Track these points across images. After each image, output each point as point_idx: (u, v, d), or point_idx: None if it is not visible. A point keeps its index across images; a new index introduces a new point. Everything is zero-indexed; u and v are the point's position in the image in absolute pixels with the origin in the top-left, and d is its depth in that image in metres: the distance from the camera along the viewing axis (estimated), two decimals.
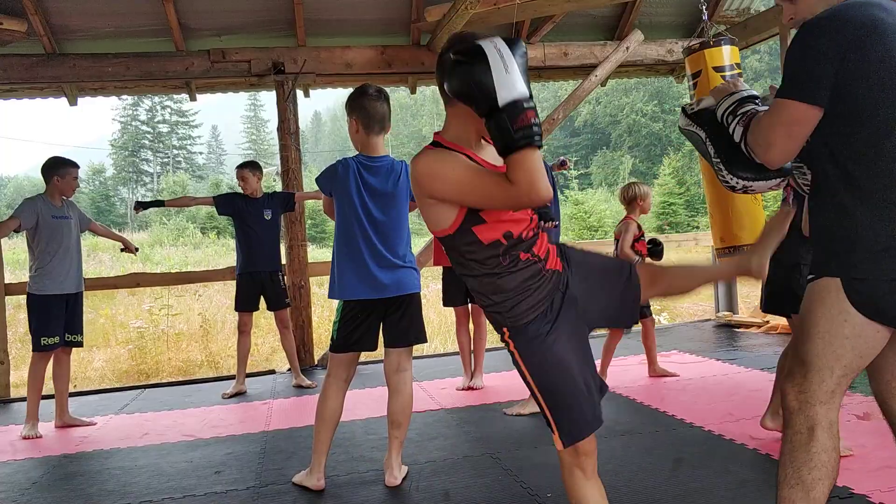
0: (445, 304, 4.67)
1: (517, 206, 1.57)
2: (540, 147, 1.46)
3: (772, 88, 1.93)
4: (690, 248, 7.89)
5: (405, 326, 2.92)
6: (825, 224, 1.65)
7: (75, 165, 4.37)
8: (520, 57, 1.50)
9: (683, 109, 2.08)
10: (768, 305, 3.17)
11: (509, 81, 1.44)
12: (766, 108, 1.74)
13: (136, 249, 4.87)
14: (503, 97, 1.43)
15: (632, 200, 4.54)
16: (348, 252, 2.86)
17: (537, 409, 2.91)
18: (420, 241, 6.63)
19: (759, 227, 4.48)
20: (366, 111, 2.83)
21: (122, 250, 4.83)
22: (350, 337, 2.88)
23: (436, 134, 1.73)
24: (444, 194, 1.60)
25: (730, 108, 1.84)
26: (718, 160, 1.89)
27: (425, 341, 3.08)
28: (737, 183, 1.89)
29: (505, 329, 1.72)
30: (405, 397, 2.93)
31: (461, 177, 1.58)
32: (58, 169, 4.26)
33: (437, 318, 8.59)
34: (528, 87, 1.47)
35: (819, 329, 1.61)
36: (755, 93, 1.87)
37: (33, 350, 4.17)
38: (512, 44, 1.50)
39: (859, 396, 3.67)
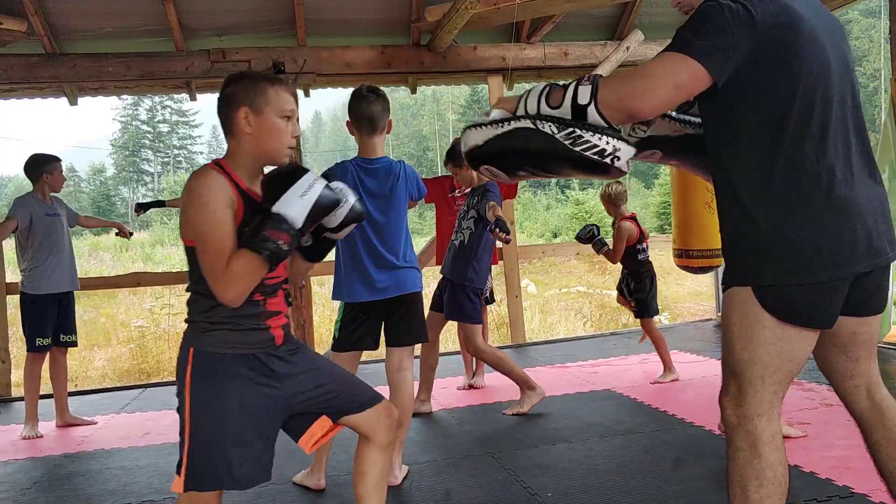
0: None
1: (212, 283, 1.63)
2: (266, 262, 1.60)
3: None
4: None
5: (406, 326, 2.92)
6: (728, 231, 1.61)
7: (59, 159, 4.36)
8: (324, 198, 1.68)
9: (473, 125, 1.71)
10: None
11: (292, 204, 1.62)
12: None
13: (131, 234, 4.85)
14: (277, 208, 1.61)
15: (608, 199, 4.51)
16: (349, 255, 2.87)
17: (532, 407, 2.89)
18: (420, 241, 6.62)
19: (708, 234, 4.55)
20: (354, 112, 2.84)
21: (116, 234, 4.81)
22: (351, 337, 2.89)
23: (219, 159, 1.79)
24: (192, 221, 1.66)
25: (545, 94, 1.60)
26: (571, 128, 1.54)
27: (427, 340, 3.08)
28: (607, 143, 1.53)
29: (192, 348, 1.71)
30: (406, 397, 2.93)
31: (210, 219, 1.63)
32: (46, 165, 4.25)
33: None
34: (303, 224, 1.63)
35: (740, 339, 1.57)
36: (555, 83, 1.65)
37: (28, 351, 4.17)
38: (333, 189, 1.73)
39: None
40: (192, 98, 6.15)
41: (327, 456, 2.96)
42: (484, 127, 1.67)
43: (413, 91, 6.55)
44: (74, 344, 4.40)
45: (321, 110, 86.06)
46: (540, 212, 33.25)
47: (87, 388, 5.91)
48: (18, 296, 4.32)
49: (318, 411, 1.87)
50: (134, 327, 9.12)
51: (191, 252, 1.70)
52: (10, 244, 4.34)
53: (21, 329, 4.29)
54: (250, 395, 1.71)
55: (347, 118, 2.88)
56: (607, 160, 1.54)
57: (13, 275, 6.59)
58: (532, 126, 1.58)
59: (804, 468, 2.76)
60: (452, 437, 3.59)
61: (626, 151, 1.57)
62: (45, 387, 4.46)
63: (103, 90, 5.89)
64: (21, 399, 5.20)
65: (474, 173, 3.74)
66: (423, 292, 3.00)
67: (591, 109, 1.52)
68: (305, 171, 1.69)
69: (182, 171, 52.95)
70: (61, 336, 4.24)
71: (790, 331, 1.53)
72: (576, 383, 4.57)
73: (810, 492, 2.54)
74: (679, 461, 2.96)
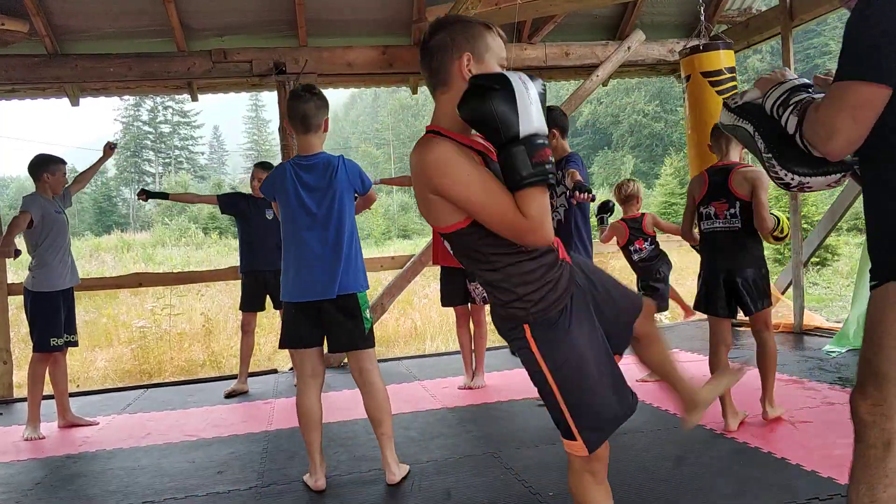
0: (444, 304, 4.67)
1: (522, 239, 1.48)
2: (548, 187, 1.43)
3: (827, 75, 1.77)
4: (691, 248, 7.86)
5: (341, 330, 2.88)
6: (891, 221, 1.51)
7: (63, 161, 4.36)
8: (540, 93, 1.44)
9: (725, 104, 1.92)
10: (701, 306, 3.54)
11: (531, 114, 1.39)
12: (822, 94, 1.58)
13: (114, 146, 4.75)
14: (525, 129, 1.39)
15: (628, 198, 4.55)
16: (286, 254, 2.90)
17: None
18: (421, 242, 6.57)
19: None
20: (289, 111, 2.89)
21: (108, 150, 4.72)
22: (293, 335, 2.90)
23: (431, 125, 1.61)
24: (451, 196, 1.48)
25: (780, 99, 1.68)
26: (770, 155, 1.69)
27: (367, 347, 2.92)
28: (791, 179, 1.66)
29: (526, 325, 1.59)
30: (376, 396, 2.92)
31: (474, 184, 1.46)
32: (48, 166, 4.25)
33: (439, 317, 8.59)
34: (543, 125, 1.41)
35: (892, 338, 1.49)
36: (807, 81, 1.72)
37: (38, 351, 4.14)
38: (532, 79, 1.46)
39: None
40: (194, 98, 6.16)
41: (321, 455, 2.95)
42: (729, 112, 1.89)
43: (414, 91, 6.55)
44: (76, 344, 4.41)
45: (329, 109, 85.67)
46: None
47: (88, 389, 5.92)
48: (19, 296, 4.32)
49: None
50: (135, 328, 9.12)
51: (464, 235, 1.55)
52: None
53: (23, 330, 4.28)
54: (589, 328, 1.63)
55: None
56: (793, 190, 1.72)
57: (14, 275, 6.59)
58: (750, 133, 1.79)
59: (806, 466, 2.76)
60: (453, 437, 3.59)
61: (820, 181, 1.67)
62: (46, 388, 4.47)
63: (105, 91, 5.90)
64: (23, 400, 5.21)
65: (553, 142, 3.69)
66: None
67: (798, 139, 1.61)
68: (491, 79, 1.44)
69: (183, 172, 53.02)
70: (66, 336, 4.25)
71: None
72: None
73: (812, 490, 2.54)
74: (680, 460, 2.96)
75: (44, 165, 4.25)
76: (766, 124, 1.73)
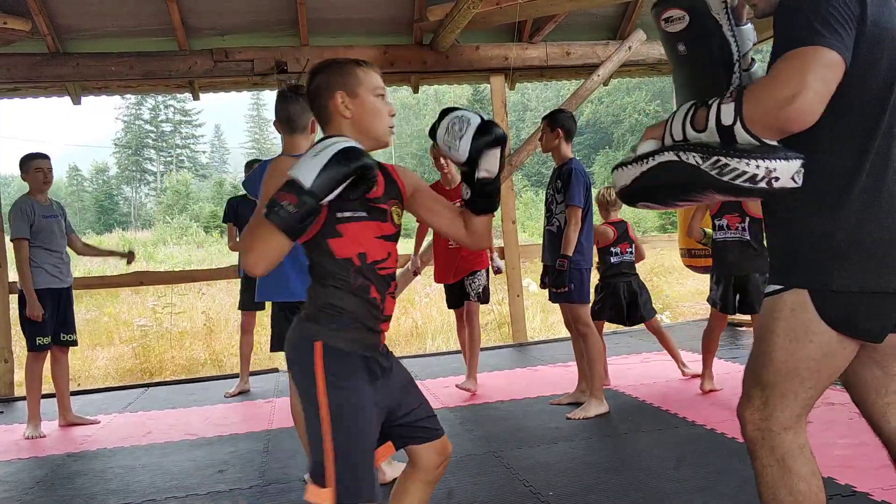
0: (448, 305, 4.76)
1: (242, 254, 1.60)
2: (275, 226, 1.44)
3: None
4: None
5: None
6: (787, 231, 1.47)
7: (37, 157, 4.25)
8: (335, 157, 1.46)
9: (620, 165, 1.62)
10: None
11: (306, 165, 1.45)
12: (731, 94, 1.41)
13: (132, 253, 4.64)
14: (292, 173, 1.46)
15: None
16: None
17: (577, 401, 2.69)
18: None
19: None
20: (276, 112, 2.88)
21: (127, 263, 4.62)
22: (280, 337, 2.88)
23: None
24: None
25: (688, 115, 1.47)
26: (716, 158, 1.39)
27: None
28: (757, 167, 1.36)
29: (318, 343, 1.56)
30: None
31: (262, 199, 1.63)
32: (23, 166, 4.23)
33: (440, 317, 8.59)
34: (313, 183, 1.44)
35: (781, 351, 1.45)
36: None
37: (28, 350, 4.16)
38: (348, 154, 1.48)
39: None
40: (195, 97, 6.17)
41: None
42: (629, 166, 1.58)
43: (415, 90, 6.55)
44: (75, 343, 4.39)
45: None
46: (542, 210, 33.25)
47: (89, 388, 5.93)
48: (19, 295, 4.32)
49: (387, 433, 1.68)
50: (136, 326, 9.13)
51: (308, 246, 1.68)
52: (11, 244, 4.34)
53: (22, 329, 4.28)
54: (369, 398, 1.57)
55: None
56: (762, 184, 1.38)
57: (15, 274, 6.60)
58: (676, 158, 1.47)
59: None
60: (454, 437, 3.58)
61: (785, 169, 1.37)
62: (48, 386, 4.47)
63: (106, 89, 5.91)
64: (24, 399, 5.22)
65: (556, 142, 3.82)
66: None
67: (738, 129, 1.36)
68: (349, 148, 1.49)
69: (185, 171, 53.02)
70: (61, 335, 4.24)
71: (836, 344, 1.42)
72: (577, 382, 4.55)
73: None
74: (680, 460, 2.96)
75: (21, 167, 4.24)
76: (691, 144, 1.45)
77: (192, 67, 5.58)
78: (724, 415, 3.56)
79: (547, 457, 3.13)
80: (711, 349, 4.10)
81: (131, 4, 5.33)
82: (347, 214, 1.60)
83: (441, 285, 4.80)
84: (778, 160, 1.37)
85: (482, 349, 6.10)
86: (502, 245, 6.33)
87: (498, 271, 4.69)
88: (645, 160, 1.54)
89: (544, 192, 4.15)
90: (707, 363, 4.09)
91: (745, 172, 1.37)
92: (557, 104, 5.36)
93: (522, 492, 2.73)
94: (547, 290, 3.96)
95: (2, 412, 4.97)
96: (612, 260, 4.46)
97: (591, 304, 4.01)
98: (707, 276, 4.41)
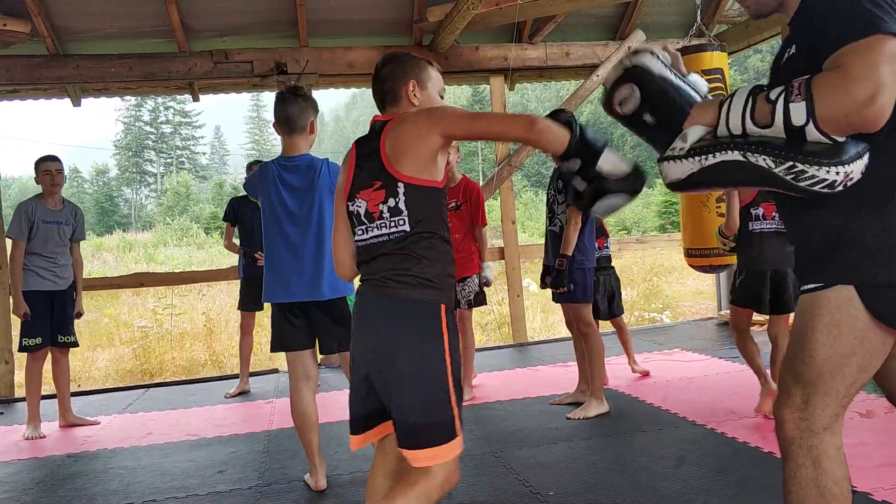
0: None
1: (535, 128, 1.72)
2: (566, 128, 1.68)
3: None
4: None
5: (329, 333, 2.89)
6: (831, 222, 1.42)
7: (47, 159, 4.24)
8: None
9: (668, 158, 1.52)
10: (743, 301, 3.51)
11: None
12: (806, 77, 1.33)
13: (79, 314, 4.41)
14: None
15: None
16: (270, 252, 2.89)
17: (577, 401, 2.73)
18: None
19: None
20: (275, 113, 2.89)
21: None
22: (280, 338, 2.91)
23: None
24: (446, 122, 1.70)
25: (748, 108, 1.40)
26: (791, 164, 1.33)
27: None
28: (837, 173, 1.31)
29: (443, 305, 1.71)
30: None
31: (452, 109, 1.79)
32: (35, 169, 4.23)
33: None
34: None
35: (824, 348, 1.41)
36: (756, 84, 1.45)
37: (18, 351, 4.17)
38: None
39: (861, 394, 3.66)
40: (195, 99, 6.17)
41: (319, 456, 2.94)
42: (684, 161, 1.48)
43: None
44: (74, 344, 4.37)
45: (323, 111, 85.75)
46: (541, 210, 33.26)
47: (89, 389, 5.93)
48: None
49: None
50: (137, 328, 9.14)
51: (420, 192, 1.72)
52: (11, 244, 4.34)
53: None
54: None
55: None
56: (839, 188, 1.34)
57: None
58: (742, 159, 1.39)
59: None
60: None
61: (858, 168, 1.33)
62: (49, 387, 4.47)
63: (106, 91, 5.91)
64: (25, 399, 5.22)
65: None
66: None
67: (811, 129, 1.30)
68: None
69: (185, 172, 53.07)
70: (59, 337, 4.23)
71: (878, 340, 1.41)
72: (577, 382, 4.56)
73: None
74: (681, 460, 2.96)
75: (34, 170, 4.25)
76: (754, 140, 1.39)
77: (191, 69, 5.58)
78: (724, 415, 3.56)
79: (547, 457, 3.13)
80: (756, 357, 3.56)
81: (131, 6, 5.33)
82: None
83: None
84: (854, 162, 1.32)
85: (482, 349, 6.12)
86: (502, 245, 6.34)
87: (486, 283, 4.48)
88: (703, 156, 1.45)
89: (544, 192, 4.14)
90: (762, 374, 3.56)
91: (824, 180, 1.33)
92: (557, 105, 5.38)
93: (522, 492, 2.74)
94: (550, 290, 3.96)
95: (2, 413, 4.97)
96: (597, 255, 4.50)
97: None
98: (707, 276, 4.37)
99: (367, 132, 1.85)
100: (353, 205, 1.78)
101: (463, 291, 4.30)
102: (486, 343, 7.47)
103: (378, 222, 1.72)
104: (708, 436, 3.26)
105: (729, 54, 5.74)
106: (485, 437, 3.50)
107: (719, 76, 5.26)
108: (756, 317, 3.68)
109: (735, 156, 1.40)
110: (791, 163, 1.33)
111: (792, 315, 3.20)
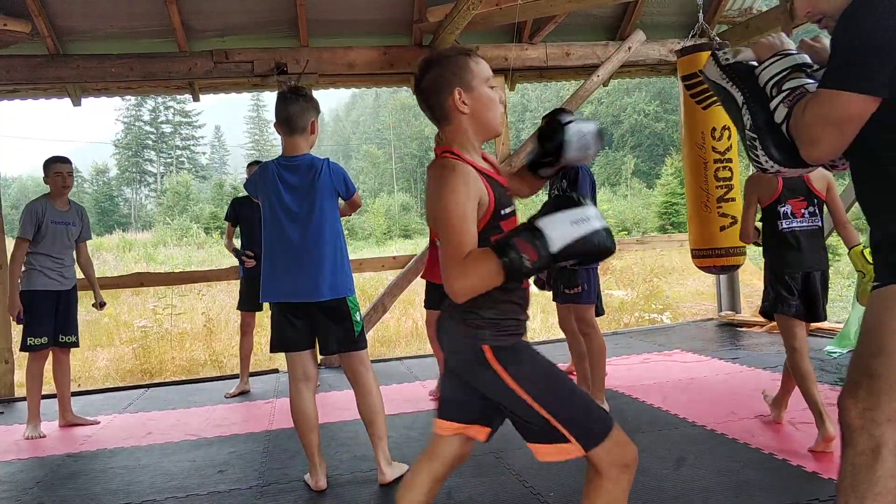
0: (426, 305, 4.42)
1: (444, 269, 1.55)
2: (502, 270, 1.46)
3: (814, 41, 1.69)
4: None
5: (330, 334, 2.89)
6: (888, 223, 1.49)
7: (58, 160, 4.25)
8: (591, 237, 1.50)
9: (714, 56, 1.77)
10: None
11: (562, 230, 1.47)
12: (815, 84, 1.52)
13: (103, 304, 4.56)
14: (542, 223, 1.48)
15: None
16: (269, 252, 2.89)
17: None
18: (422, 242, 6.60)
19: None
20: (276, 113, 2.89)
21: (93, 304, 4.55)
22: (280, 338, 2.91)
23: (445, 147, 1.72)
24: (437, 208, 1.60)
25: (777, 77, 1.58)
26: (755, 136, 1.59)
27: (358, 349, 2.93)
28: (771, 166, 1.59)
29: (486, 347, 1.63)
30: (368, 397, 2.93)
31: (456, 213, 1.56)
32: (45, 169, 4.24)
33: None
34: (559, 250, 1.48)
35: (894, 341, 1.44)
36: (806, 58, 1.62)
37: (20, 350, 4.17)
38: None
39: None
40: (195, 99, 6.16)
41: (319, 457, 2.94)
42: (718, 69, 1.73)
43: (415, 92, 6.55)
44: (75, 344, 4.38)
45: (323, 111, 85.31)
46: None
47: (90, 388, 5.93)
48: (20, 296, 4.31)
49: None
50: (137, 327, 9.14)
51: None
52: (12, 244, 4.34)
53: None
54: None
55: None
56: (767, 174, 1.66)
57: None
58: (738, 103, 1.66)
59: (806, 468, 2.77)
60: None
61: (791, 173, 1.63)
62: (49, 387, 4.47)
63: (106, 91, 5.91)
64: (25, 399, 5.22)
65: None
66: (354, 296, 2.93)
67: (784, 130, 1.54)
68: (588, 204, 1.55)
69: (185, 172, 53.06)
70: (61, 336, 4.23)
71: None
72: (576, 382, 4.57)
73: (812, 491, 2.54)
74: (681, 461, 2.96)
75: (44, 170, 4.25)
76: (757, 100, 1.62)
77: (191, 69, 5.58)
78: (724, 416, 3.56)
79: None
80: (813, 388, 3.02)
81: (131, 6, 5.33)
82: (508, 211, 1.69)
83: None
84: (794, 167, 1.58)
85: None
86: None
87: None
88: (727, 78, 1.71)
89: (544, 192, 4.13)
90: (823, 418, 2.99)
91: (759, 162, 1.61)
92: (557, 105, 5.38)
93: (523, 493, 2.74)
94: (551, 290, 3.95)
95: (2, 413, 4.97)
96: None
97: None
98: (707, 277, 4.34)
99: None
100: None
101: None
102: None
103: None
104: (708, 436, 3.26)
105: None
106: None
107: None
108: (755, 317, 3.66)
109: (739, 97, 1.67)
110: (755, 135, 1.59)
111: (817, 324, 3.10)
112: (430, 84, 1.69)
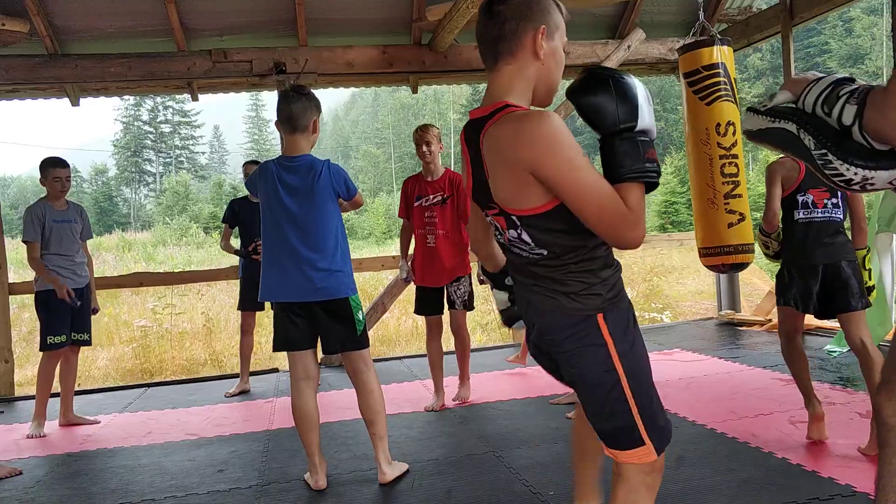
0: (416, 311, 4.27)
1: (617, 231, 1.37)
2: (652, 186, 1.40)
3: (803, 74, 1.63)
4: (693, 247, 7.87)
5: (332, 334, 2.89)
6: None
7: (58, 164, 4.24)
8: (649, 98, 1.45)
9: (753, 109, 1.69)
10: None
11: (646, 112, 1.39)
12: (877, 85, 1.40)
13: (96, 310, 4.53)
14: (642, 124, 1.39)
15: None
16: (269, 252, 2.89)
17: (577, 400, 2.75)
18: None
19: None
20: (277, 111, 2.89)
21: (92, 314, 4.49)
22: (281, 338, 2.91)
23: (501, 101, 1.46)
24: (553, 175, 1.35)
25: (824, 94, 1.48)
26: (824, 150, 1.45)
27: (360, 348, 2.94)
28: (854, 174, 1.41)
29: (600, 315, 1.47)
30: (369, 396, 2.94)
31: (584, 167, 1.35)
32: (42, 172, 4.23)
33: None
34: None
35: None
36: (842, 75, 1.55)
37: (40, 349, 4.18)
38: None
39: (862, 394, 3.67)
40: (194, 98, 6.16)
41: (319, 456, 2.94)
42: (761, 116, 1.65)
43: (414, 91, 6.55)
44: (88, 343, 4.38)
45: (322, 110, 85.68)
46: None
47: (90, 388, 5.92)
48: (21, 296, 4.32)
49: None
50: (136, 327, 9.14)
51: (543, 218, 1.42)
52: (13, 245, 4.35)
53: (24, 329, 4.28)
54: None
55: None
56: (856, 188, 1.44)
57: (15, 274, 6.60)
58: (794, 133, 1.55)
59: (806, 467, 2.76)
60: (454, 436, 3.59)
61: (883, 177, 1.41)
62: (55, 386, 4.47)
63: (105, 91, 5.91)
64: (25, 398, 5.23)
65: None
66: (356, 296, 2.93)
67: (855, 130, 1.39)
68: (616, 72, 1.42)
69: (184, 172, 53.08)
70: (73, 334, 4.25)
71: None
72: None
73: (812, 490, 2.54)
74: (681, 459, 2.96)
75: (40, 172, 4.25)
76: (813, 121, 1.51)
77: (190, 68, 5.58)
78: (723, 415, 3.56)
79: (547, 456, 3.13)
80: (803, 371, 3.10)
81: (130, 5, 5.32)
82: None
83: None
84: (879, 171, 1.40)
85: (483, 349, 6.12)
86: None
87: (483, 281, 4.38)
88: (772, 119, 1.62)
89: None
90: (810, 397, 3.08)
91: (842, 175, 1.43)
92: (557, 104, 5.37)
93: (522, 491, 2.73)
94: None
95: (2, 412, 4.96)
96: None
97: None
98: (707, 276, 4.32)
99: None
100: None
101: (457, 292, 4.14)
102: (486, 343, 7.48)
103: None
104: (708, 435, 3.26)
105: None
106: (484, 437, 3.50)
107: (720, 71, 5.25)
108: (755, 316, 3.66)
109: (791, 127, 1.56)
110: (825, 150, 1.44)
111: (863, 312, 2.98)
112: (512, 8, 1.44)
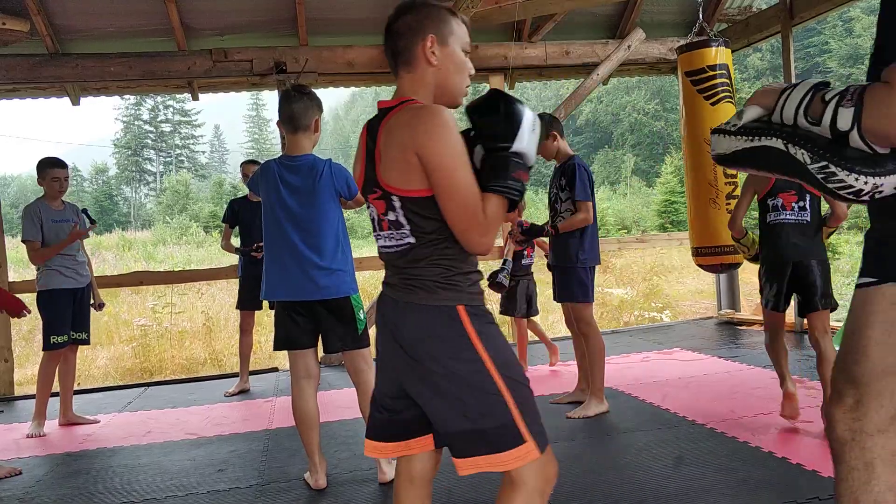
0: None
1: (468, 234, 1.46)
2: (509, 208, 1.49)
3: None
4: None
5: (333, 333, 2.90)
6: (890, 217, 1.38)
7: (56, 164, 4.25)
8: (538, 133, 1.53)
9: (721, 130, 1.57)
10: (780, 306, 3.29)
11: (526, 138, 1.48)
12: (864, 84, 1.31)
13: (102, 305, 4.59)
14: (517, 147, 1.48)
15: None
16: (270, 252, 2.89)
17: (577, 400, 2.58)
18: None
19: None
20: (279, 111, 2.90)
21: (91, 305, 4.48)
22: (282, 336, 2.91)
23: (406, 97, 1.56)
24: (436, 163, 1.44)
25: (804, 102, 1.38)
26: (825, 163, 1.34)
27: (360, 347, 2.96)
28: (865, 183, 1.30)
29: (461, 306, 1.49)
30: (370, 395, 2.94)
31: (465, 165, 1.46)
32: (40, 172, 4.24)
33: None
34: (531, 160, 1.52)
35: (878, 346, 1.35)
36: (818, 79, 1.45)
37: (43, 349, 4.18)
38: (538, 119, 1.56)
39: None
40: (195, 98, 6.17)
41: (319, 455, 2.94)
42: (733, 137, 1.52)
43: None
44: (86, 342, 4.39)
45: (323, 110, 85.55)
46: (541, 210, 33.27)
47: (90, 387, 5.93)
48: (21, 295, 4.31)
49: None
50: (136, 326, 9.14)
51: (421, 203, 1.49)
52: (13, 244, 4.35)
53: (24, 328, 4.28)
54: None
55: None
56: (865, 198, 1.33)
57: (15, 274, 6.59)
58: (783, 149, 1.41)
59: (806, 466, 2.77)
60: None
61: (890, 183, 1.31)
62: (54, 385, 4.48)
63: (105, 90, 5.91)
64: (24, 397, 5.23)
65: (555, 145, 3.81)
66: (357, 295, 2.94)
67: (854, 135, 1.29)
68: (511, 98, 1.51)
69: (184, 171, 53.04)
70: (72, 333, 4.25)
71: None
72: (577, 382, 4.56)
73: (812, 490, 2.54)
74: (680, 459, 2.96)
75: (38, 172, 4.25)
76: (800, 133, 1.39)
77: (191, 68, 5.58)
78: (723, 414, 3.56)
79: None
80: (781, 359, 3.36)
81: (130, 5, 5.33)
82: None
83: None
84: (888, 175, 1.30)
85: None
86: (502, 244, 6.33)
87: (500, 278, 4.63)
88: (750, 137, 1.48)
89: (545, 192, 4.13)
90: (784, 379, 3.32)
91: (851, 186, 1.32)
92: (557, 104, 5.36)
93: None
94: (551, 289, 3.95)
95: (2, 411, 4.97)
96: (523, 262, 4.81)
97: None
98: (707, 276, 4.35)
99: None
100: None
101: None
102: None
103: None
104: (707, 435, 3.26)
105: None
106: None
107: (724, 72, 5.26)
108: (755, 315, 3.66)
109: (777, 143, 1.43)
110: (825, 163, 1.33)
111: (826, 313, 3.22)
112: (403, 25, 1.59)
